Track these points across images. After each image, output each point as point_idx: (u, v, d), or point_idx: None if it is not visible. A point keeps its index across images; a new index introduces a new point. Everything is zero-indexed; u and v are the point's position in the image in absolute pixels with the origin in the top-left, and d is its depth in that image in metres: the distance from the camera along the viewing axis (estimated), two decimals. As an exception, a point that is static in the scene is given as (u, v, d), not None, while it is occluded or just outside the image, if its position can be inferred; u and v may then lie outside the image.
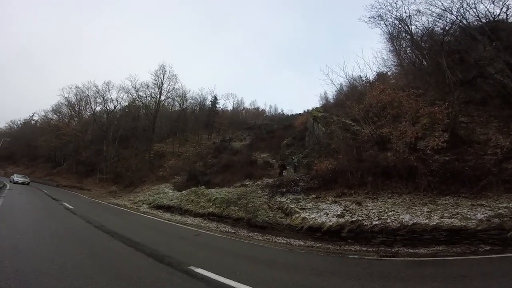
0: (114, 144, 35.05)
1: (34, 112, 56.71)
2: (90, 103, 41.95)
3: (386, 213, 7.35)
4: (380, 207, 7.85)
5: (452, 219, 6.40)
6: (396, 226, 6.65)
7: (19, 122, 58.92)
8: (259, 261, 5.26)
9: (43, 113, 49.05)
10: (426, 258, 5.47)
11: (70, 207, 12.24)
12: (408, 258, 5.52)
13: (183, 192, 16.28)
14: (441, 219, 6.46)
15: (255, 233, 8.84)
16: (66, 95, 42.23)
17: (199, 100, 44.23)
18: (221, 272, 3.87)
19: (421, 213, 6.97)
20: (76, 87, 42.10)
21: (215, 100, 44.65)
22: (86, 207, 13.57)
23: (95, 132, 38.96)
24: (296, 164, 16.76)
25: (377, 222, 6.94)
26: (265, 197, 11.67)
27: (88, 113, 43.48)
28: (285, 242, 7.64)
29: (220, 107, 46.02)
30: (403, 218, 6.85)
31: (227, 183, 16.80)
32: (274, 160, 21.94)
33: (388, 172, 9.32)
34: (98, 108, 41.48)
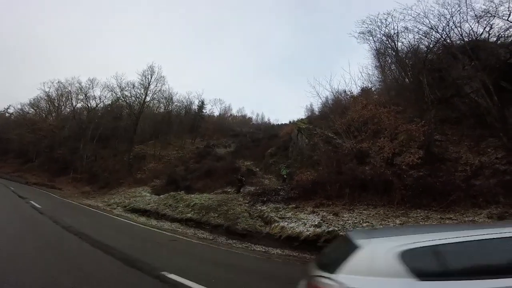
0: (92, 142, 33.57)
1: (9, 105, 53.34)
2: (71, 99, 40.08)
3: (361, 224, 7.57)
4: (356, 218, 8.06)
5: None
6: (370, 237, 6.83)
7: (-9, 114, 55.02)
8: (235, 268, 5.19)
9: (19, 106, 46.27)
10: None
11: (38, 206, 11.53)
12: None
13: (161, 196, 15.79)
14: None
15: (234, 241, 8.72)
16: (47, 90, 40.21)
17: (186, 103, 43.47)
18: (195, 279, 3.77)
19: (394, 225, 7.23)
20: (58, 81, 40.19)
21: (202, 105, 44.06)
22: (55, 207, 12.87)
23: (73, 129, 37.08)
24: (285, 176, 16.65)
25: (352, 233, 7.10)
26: (246, 204, 11.59)
27: (68, 109, 41.48)
28: (263, 250, 7.59)
29: (206, 112, 45.48)
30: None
31: (208, 189, 16.55)
32: (257, 169, 21.97)
33: (365, 185, 9.62)
34: (79, 105, 39.63)
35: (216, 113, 51.01)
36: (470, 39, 13.25)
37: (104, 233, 7.44)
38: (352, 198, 9.36)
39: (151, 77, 33.92)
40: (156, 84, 34.70)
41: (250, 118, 60.12)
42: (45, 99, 41.52)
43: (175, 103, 41.51)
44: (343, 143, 13.82)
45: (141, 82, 33.70)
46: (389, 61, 19.17)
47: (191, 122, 41.29)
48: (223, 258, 6.29)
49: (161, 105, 40.21)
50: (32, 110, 43.35)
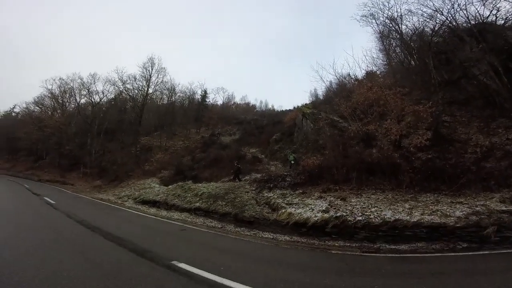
0: (99, 137, 34.02)
1: (15, 104, 54.16)
2: (75, 95, 40.41)
3: (369, 209, 7.47)
4: (364, 203, 7.96)
5: (432, 216, 6.55)
6: (378, 222, 6.75)
7: (-1, 114, 56.02)
8: (244, 256, 5.27)
9: (24, 105, 46.91)
10: (407, 255, 5.61)
11: (51, 202, 11.88)
12: (390, 254, 5.65)
13: (170, 186, 16.03)
14: (422, 216, 6.61)
15: (242, 228, 8.83)
16: (50, 87, 40.48)
17: (189, 93, 43.42)
18: (204, 267, 3.86)
19: (403, 210, 7.11)
20: (60, 78, 40.32)
21: (205, 94, 43.94)
22: (68, 202, 13.21)
23: (79, 125, 37.61)
24: (292, 162, 16.60)
25: (360, 218, 7.04)
26: (253, 192, 11.63)
27: (72, 106, 41.88)
28: (271, 237, 7.67)
29: (210, 101, 45.33)
30: (385, 214, 6.96)
31: (215, 177, 16.70)
32: (263, 156, 22.00)
33: (372, 168, 9.49)
34: (82, 101, 40.02)
35: (220, 102, 50.80)
36: (476, 21, 13.02)
37: (116, 226, 7.62)
38: (359, 182, 9.28)
39: (152, 69, 33.71)
40: (158, 75, 34.52)
41: (253, 106, 59.76)
42: (49, 96, 41.92)
43: (178, 94, 41.46)
44: (349, 126, 13.60)
45: (142, 74, 33.57)
46: (394, 44, 18.87)
47: (195, 112, 41.29)
48: (232, 246, 6.38)
49: (164, 96, 40.24)
50: (38, 108, 43.95)
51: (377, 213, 7.10)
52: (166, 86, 37.70)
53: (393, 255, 5.61)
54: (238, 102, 59.04)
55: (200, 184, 14.60)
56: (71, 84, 39.79)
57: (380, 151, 10.08)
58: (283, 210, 8.92)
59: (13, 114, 53.00)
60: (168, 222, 9.64)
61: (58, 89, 40.92)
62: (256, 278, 3.67)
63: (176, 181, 16.80)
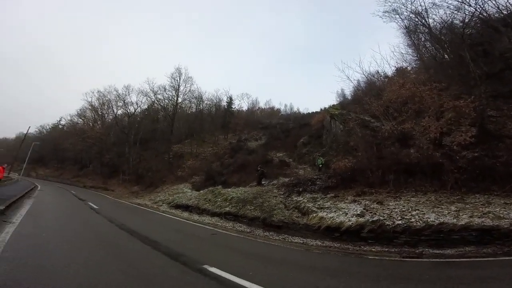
0: (135, 146, 36.45)
1: (61, 117, 60.65)
2: (112, 107, 44.02)
3: (409, 212, 6.98)
4: (403, 206, 7.46)
5: (483, 218, 5.98)
6: (420, 226, 6.28)
7: (47, 127, 63.21)
8: (273, 261, 5.14)
9: (69, 118, 52.34)
10: (454, 259, 5.13)
11: (95, 206, 12.83)
12: (434, 259, 5.19)
13: (201, 191, 16.52)
14: (471, 219, 6.05)
15: (270, 233, 8.73)
16: (89, 99, 44.64)
17: (215, 101, 44.87)
18: (234, 272, 3.84)
19: (448, 212, 6.55)
20: (98, 91, 44.43)
21: (230, 101, 44.98)
22: (110, 207, 14.16)
23: (117, 135, 40.77)
24: (320, 166, 16.20)
25: (400, 222, 6.59)
26: (281, 196, 11.52)
27: (111, 117, 45.59)
28: (301, 242, 7.47)
29: (235, 107, 46.25)
30: (429, 218, 6.47)
31: (243, 182, 16.83)
32: (290, 159, 21.71)
33: (411, 169, 8.86)
34: (119, 112, 43.39)
35: (245, 108, 51.61)
36: (508, 11, 12.16)
37: (152, 230, 7.98)
38: (397, 184, 8.72)
39: (179, 79, 35.50)
40: (185, 85, 36.25)
41: (278, 110, 59.68)
42: (89, 108, 46.12)
43: (205, 102, 43.06)
44: (382, 126, 12.87)
45: (171, 84, 35.50)
46: (423, 38, 17.93)
47: (221, 118, 42.39)
48: (261, 250, 6.30)
49: (192, 105, 42.06)
50: (80, 120, 48.60)
51: (418, 217, 6.61)
52: (194, 94, 39.42)
53: (438, 260, 5.13)
54: (263, 107, 59.47)
55: (229, 189, 14.82)
56: (108, 96, 43.45)
57: (419, 150, 9.37)
58: (314, 214, 8.67)
59: (60, 126, 59.24)
60: (199, 226, 9.87)
61: (97, 101, 44.89)
62: (285, 283, 3.55)
63: (207, 186, 17.29)
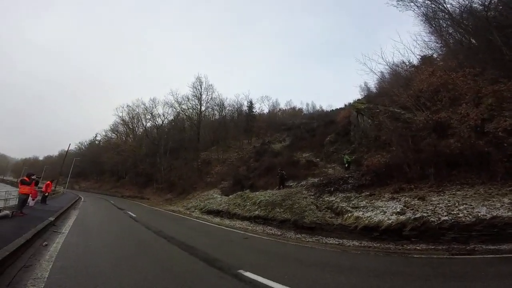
0: (165, 155, 38.22)
1: (96, 133, 66.06)
2: (141, 120, 46.86)
3: (456, 207, 6.42)
4: (449, 201, 6.88)
5: None
6: (470, 221, 5.75)
7: (85, 143, 69.07)
8: (308, 263, 4.99)
9: (103, 133, 56.64)
10: (511, 255, 4.61)
11: (133, 215, 13.60)
12: (488, 256, 4.73)
13: (230, 196, 16.77)
14: None
15: (302, 235, 8.56)
16: (120, 114, 47.94)
17: (236, 106, 45.64)
18: (269, 276, 3.81)
19: (501, 205, 5.91)
20: (127, 105, 47.70)
21: (251, 105, 45.47)
22: (147, 215, 14.88)
23: (148, 146, 43.11)
24: (346, 164, 15.67)
25: (446, 218, 6.09)
26: (311, 197, 11.27)
27: (141, 129, 48.51)
28: (337, 243, 7.22)
29: (256, 111, 46.65)
30: (479, 212, 5.90)
31: (270, 185, 16.76)
32: (317, 159, 21.20)
33: (453, 161, 8.16)
34: (148, 124, 46.06)
35: (266, 110, 51.83)
36: None
37: (188, 235, 8.21)
38: (439, 178, 8.09)
39: (201, 88, 36.78)
40: (207, 93, 37.44)
41: (300, 109, 58.94)
42: (121, 123, 49.47)
43: (227, 108, 43.95)
44: (415, 117, 12.09)
45: (194, 94, 36.86)
46: (444, 24, 16.77)
47: (244, 123, 42.90)
48: (294, 253, 6.17)
49: (215, 112, 43.15)
50: (114, 135, 52.29)
51: (467, 211, 6.06)
52: (216, 102, 40.57)
53: (493, 256, 4.66)
54: (284, 108, 59.09)
55: (258, 193, 14.87)
56: (137, 110, 46.35)
57: (459, 140, 8.60)
58: (349, 214, 8.36)
59: (96, 142, 64.32)
60: (231, 230, 9.99)
61: (127, 116, 48.05)
62: (324, 285, 3.42)
63: (235, 191, 17.51)
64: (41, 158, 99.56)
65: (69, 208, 14.31)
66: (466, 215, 5.94)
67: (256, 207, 12.47)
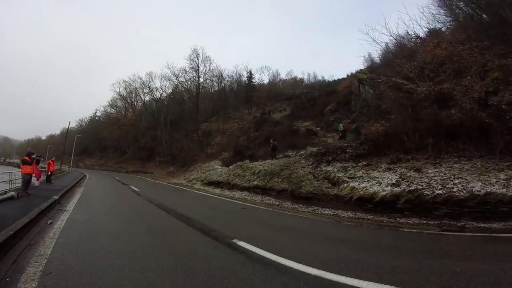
0: (166, 128, 38.23)
1: (96, 109, 65.66)
2: (139, 94, 46.20)
3: (451, 180, 6.36)
4: (444, 173, 6.81)
5: None
6: (464, 196, 5.73)
7: (86, 120, 68.78)
8: (302, 233, 5.16)
9: (102, 109, 56.23)
10: (501, 234, 4.66)
11: (136, 189, 14.00)
12: (478, 234, 4.77)
13: (230, 167, 16.99)
14: None
15: (299, 205, 8.77)
16: (117, 90, 47.10)
17: (235, 77, 44.54)
18: (262, 245, 3.93)
19: (497, 181, 5.84)
20: (123, 81, 46.70)
21: (250, 75, 44.33)
22: (149, 189, 15.32)
23: (148, 120, 43.03)
24: (341, 132, 15.67)
25: (440, 192, 6.08)
26: (309, 166, 11.30)
27: (140, 103, 47.94)
28: (332, 213, 7.39)
29: (256, 81, 45.72)
30: (474, 187, 5.85)
31: (270, 155, 16.88)
32: (318, 128, 21.09)
33: (453, 132, 7.99)
34: (147, 98, 45.48)
35: (266, 81, 50.73)
36: None
37: (187, 207, 8.49)
38: (437, 149, 7.99)
39: (198, 60, 35.50)
40: (204, 65, 36.22)
41: (301, 79, 57.68)
42: (119, 98, 48.87)
43: (226, 79, 42.97)
44: (417, 88, 11.74)
45: (191, 66, 35.66)
46: None
47: (244, 93, 42.19)
48: (289, 223, 6.36)
49: (214, 83, 42.25)
50: (113, 110, 51.90)
51: (462, 186, 6.02)
52: (214, 73, 39.47)
53: (482, 234, 4.71)
54: (284, 78, 57.84)
55: (257, 162, 14.99)
56: (134, 85, 45.45)
57: (461, 111, 8.36)
58: (344, 185, 8.42)
59: (96, 118, 64.09)
60: (230, 201, 10.28)
61: (125, 91, 47.30)
62: (313, 256, 3.53)
63: (236, 161, 17.70)
64: (44, 138, 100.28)
65: (74, 186, 14.67)
66: (460, 189, 5.91)
67: (255, 177, 12.65)
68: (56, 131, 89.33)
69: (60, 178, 20.27)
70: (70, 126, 45.72)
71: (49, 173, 14.97)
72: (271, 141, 16.76)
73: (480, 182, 5.96)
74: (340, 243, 4.36)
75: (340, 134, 15.64)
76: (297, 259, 3.34)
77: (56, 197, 8.62)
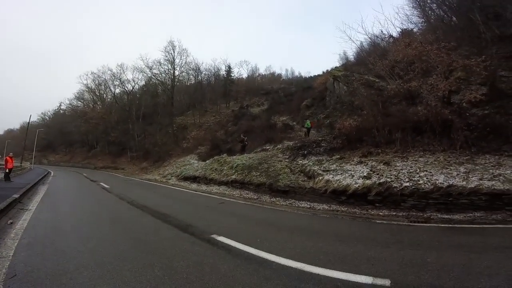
0: (138, 122, 36.41)
1: (60, 102, 60.30)
2: (109, 87, 43.40)
3: (417, 173, 6.80)
4: (411, 167, 7.26)
5: (493, 182, 5.74)
6: (429, 188, 6.15)
7: (49, 113, 63.09)
8: (280, 227, 5.24)
9: (68, 102, 52.02)
10: (463, 225, 5.05)
11: (106, 186, 13.18)
12: (442, 225, 5.13)
13: (207, 161, 16.67)
14: (481, 181, 5.83)
15: (277, 198, 8.87)
16: (85, 82, 43.92)
17: (213, 71, 43.56)
18: (241, 240, 3.92)
19: (457, 174, 6.33)
20: (92, 73, 43.60)
21: (229, 69, 43.67)
22: (120, 185, 14.51)
23: (119, 113, 40.57)
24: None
25: (407, 184, 6.47)
26: (286, 160, 11.47)
27: (109, 96, 45.10)
28: (308, 206, 7.57)
29: (234, 75, 45.10)
30: (437, 179, 6.30)
31: (247, 149, 16.87)
32: (294, 122, 21.50)
33: (419, 127, 8.57)
34: (117, 90, 42.85)
35: (245, 75, 50.33)
36: None
37: (162, 203, 8.18)
38: (404, 143, 8.50)
39: (174, 52, 34.16)
40: (180, 57, 35.01)
41: (279, 75, 58.23)
42: (86, 90, 45.64)
43: (204, 72, 41.91)
44: (387, 86, 12.39)
45: (166, 58, 34.21)
46: (429, 0, 16.78)
47: (222, 87, 41.54)
48: (268, 216, 6.42)
49: (191, 76, 41.05)
50: (80, 103, 48.38)
51: (427, 178, 6.46)
52: (191, 66, 38.27)
53: (446, 225, 5.08)
54: (263, 73, 57.95)
55: (235, 157, 14.87)
56: (103, 77, 42.61)
57: (427, 107, 8.97)
58: (319, 178, 8.65)
59: (61, 111, 59.11)
60: (208, 196, 10.12)
61: (93, 83, 44.22)
62: (292, 249, 3.58)
63: (213, 156, 17.41)
64: (1, 132, 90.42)
65: (37, 183, 13.44)
66: (425, 182, 6.32)
67: (233, 171, 12.55)
68: (16, 125, 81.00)
69: (20, 176, 18.45)
70: (31, 120, 41.76)
71: (7, 171, 13.65)
72: (242, 136, 16.95)
73: (443, 175, 6.40)
74: (318, 236, 4.47)
75: (306, 131, 16.43)
76: (277, 253, 3.37)
77: (16, 196, 7.82)
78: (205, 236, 4.20)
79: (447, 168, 6.70)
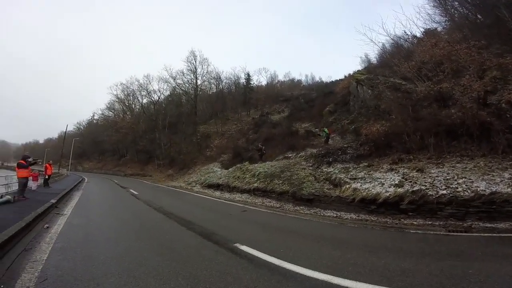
0: (164, 131, 38.01)
1: (93, 112, 65.01)
2: (137, 97, 46.06)
3: (455, 180, 6.31)
4: (448, 173, 6.75)
5: None
6: (468, 196, 5.67)
7: (84, 123, 68.23)
8: (305, 236, 5.06)
9: (100, 112, 55.95)
10: (508, 235, 4.58)
11: (135, 193, 13.80)
12: (485, 234, 4.69)
13: (230, 169, 16.87)
14: None
15: (301, 207, 8.67)
16: (115, 93, 46.98)
17: (233, 79, 44.57)
18: (264, 249, 3.83)
19: (501, 180, 5.78)
20: (121, 83, 46.67)
21: (248, 77, 44.29)
22: (148, 192, 15.10)
23: (146, 123, 42.74)
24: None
25: (444, 192, 6.01)
26: (310, 168, 11.26)
27: (138, 106, 47.76)
28: (334, 215, 7.30)
29: (254, 83, 45.69)
30: (478, 186, 5.79)
31: (269, 157, 16.79)
32: (317, 129, 21.08)
33: (454, 131, 7.97)
34: (144, 101, 45.28)
35: (264, 82, 50.78)
36: None
37: (187, 210, 8.35)
38: (439, 149, 7.94)
39: (195, 61, 35.58)
40: (202, 67, 36.32)
41: (299, 81, 57.86)
42: (116, 101, 48.69)
43: (224, 81, 43.03)
44: (416, 88, 11.79)
45: (188, 68, 35.72)
46: None
47: (242, 95, 42.16)
48: (292, 225, 6.25)
49: (212, 85, 42.27)
50: (111, 113, 51.65)
51: (466, 185, 5.96)
52: (212, 75, 39.56)
53: (490, 234, 4.63)
54: (282, 80, 57.99)
55: (256, 165, 14.88)
56: (132, 87, 45.32)
57: (461, 109, 8.34)
58: (346, 186, 8.35)
59: (94, 121, 63.63)
60: (230, 204, 10.16)
61: (122, 93, 47.16)
62: (318, 260, 3.42)
63: (235, 164, 17.58)
64: (41, 141, 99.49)
65: (72, 189, 14.46)
66: (465, 189, 5.85)
67: (256, 179, 12.54)
68: (54, 135, 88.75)
69: (58, 182, 20.02)
70: (68, 129, 45.39)
71: (46, 177, 14.76)
72: (259, 145, 16.87)
73: (484, 182, 5.90)
74: (345, 246, 4.25)
75: (324, 139, 16.07)
76: (302, 263, 3.24)
77: (53, 201, 8.46)
78: (229, 245, 4.17)
79: (489, 174, 6.16)
